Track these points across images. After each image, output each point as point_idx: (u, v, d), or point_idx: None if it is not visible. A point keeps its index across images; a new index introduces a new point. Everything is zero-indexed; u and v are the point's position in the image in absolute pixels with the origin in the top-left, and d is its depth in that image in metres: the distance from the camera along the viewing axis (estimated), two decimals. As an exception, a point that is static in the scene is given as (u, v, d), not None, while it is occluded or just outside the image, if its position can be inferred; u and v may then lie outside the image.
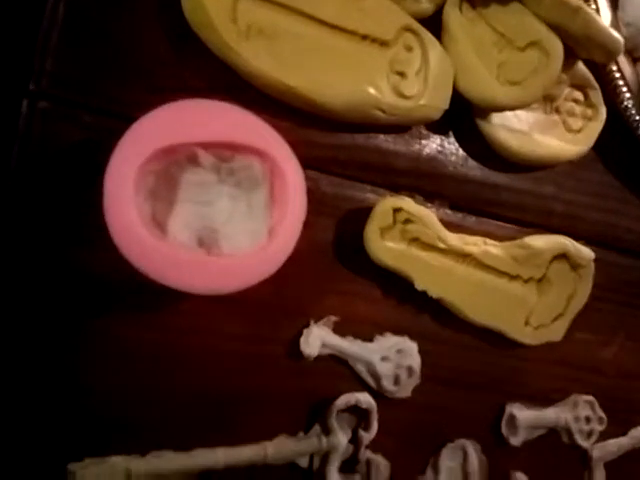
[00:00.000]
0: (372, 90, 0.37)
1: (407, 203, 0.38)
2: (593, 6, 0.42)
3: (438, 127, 0.41)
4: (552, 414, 0.46)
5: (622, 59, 0.44)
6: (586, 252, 0.43)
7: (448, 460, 0.43)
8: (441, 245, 0.39)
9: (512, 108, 0.39)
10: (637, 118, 0.44)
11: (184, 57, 0.34)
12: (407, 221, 0.38)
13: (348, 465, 0.39)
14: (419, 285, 0.40)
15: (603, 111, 0.44)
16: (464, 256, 0.40)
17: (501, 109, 0.39)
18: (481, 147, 0.42)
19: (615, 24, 0.44)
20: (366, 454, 0.40)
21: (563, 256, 0.43)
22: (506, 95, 0.38)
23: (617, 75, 0.44)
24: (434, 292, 0.40)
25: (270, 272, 0.32)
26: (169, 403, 0.36)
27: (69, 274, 0.34)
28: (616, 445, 0.49)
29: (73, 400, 0.34)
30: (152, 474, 0.34)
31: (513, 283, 0.42)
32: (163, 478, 0.35)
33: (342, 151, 0.39)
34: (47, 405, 0.34)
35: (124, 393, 0.35)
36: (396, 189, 0.40)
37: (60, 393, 0.34)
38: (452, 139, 0.42)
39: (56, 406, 0.34)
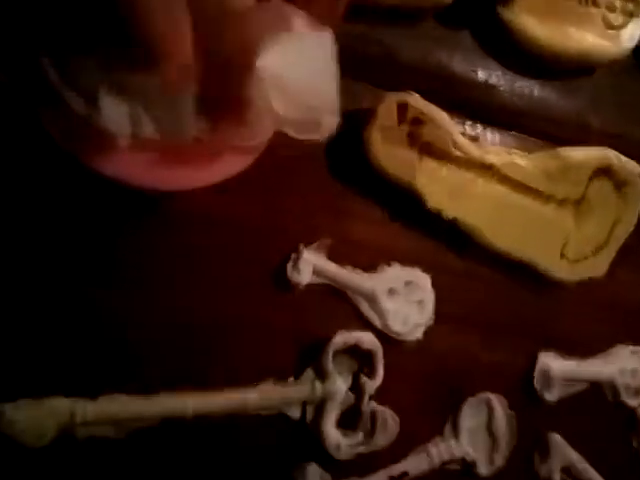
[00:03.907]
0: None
1: (414, 99, 0.32)
2: None
3: (451, 18, 0.35)
4: (593, 366, 0.39)
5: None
6: (633, 166, 0.36)
7: (470, 418, 0.36)
8: (456, 153, 0.33)
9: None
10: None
11: None
12: (415, 121, 0.32)
13: (349, 419, 0.33)
14: (431, 203, 0.33)
15: (649, 4, 0.37)
16: (485, 168, 0.34)
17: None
18: (505, 44, 0.35)
19: None
20: (370, 405, 0.33)
21: (605, 172, 0.36)
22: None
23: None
24: (449, 212, 0.34)
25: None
26: (130, 337, 0.30)
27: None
28: (669, 405, 0.41)
29: (8, 331, 0.28)
30: (104, 420, 0.28)
31: (545, 205, 0.35)
32: (119, 426, 0.28)
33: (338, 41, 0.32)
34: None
35: (72, 324, 0.29)
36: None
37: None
38: (466, 33, 0.35)
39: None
